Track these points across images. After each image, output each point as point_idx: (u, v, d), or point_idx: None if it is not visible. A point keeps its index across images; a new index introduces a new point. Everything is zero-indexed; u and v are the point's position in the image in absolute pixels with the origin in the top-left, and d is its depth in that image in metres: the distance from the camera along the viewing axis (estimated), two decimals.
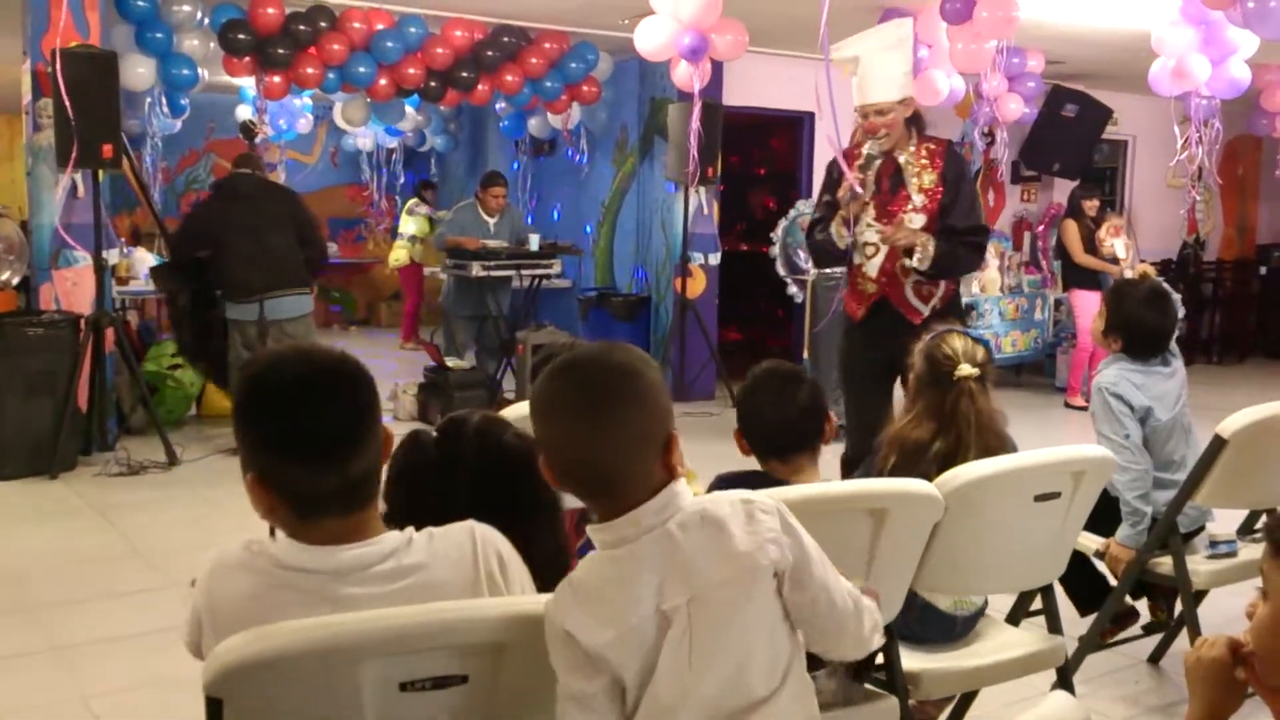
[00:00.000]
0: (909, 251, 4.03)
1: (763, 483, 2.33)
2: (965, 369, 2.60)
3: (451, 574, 1.55)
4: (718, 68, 7.07)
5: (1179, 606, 3.33)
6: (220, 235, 5.93)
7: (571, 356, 1.54)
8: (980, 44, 5.97)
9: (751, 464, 2.46)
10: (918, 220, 4.05)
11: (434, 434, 1.88)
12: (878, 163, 4.11)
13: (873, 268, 4.14)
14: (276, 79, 7.22)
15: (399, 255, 10.13)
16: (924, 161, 4.12)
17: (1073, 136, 8.98)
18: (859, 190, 4.04)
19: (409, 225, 10.35)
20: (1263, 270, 11.68)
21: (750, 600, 1.49)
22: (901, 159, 4.11)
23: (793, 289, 8.70)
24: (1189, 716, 1.55)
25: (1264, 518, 3.49)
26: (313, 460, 1.50)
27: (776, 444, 2.41)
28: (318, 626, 1.44)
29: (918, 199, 4.07)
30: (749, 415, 2.46)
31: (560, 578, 1.53)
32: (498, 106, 9.31)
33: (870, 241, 4.11)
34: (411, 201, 10.17)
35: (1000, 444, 2.59)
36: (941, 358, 2.64)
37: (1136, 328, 3.29)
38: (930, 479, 2.39)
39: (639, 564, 1.46)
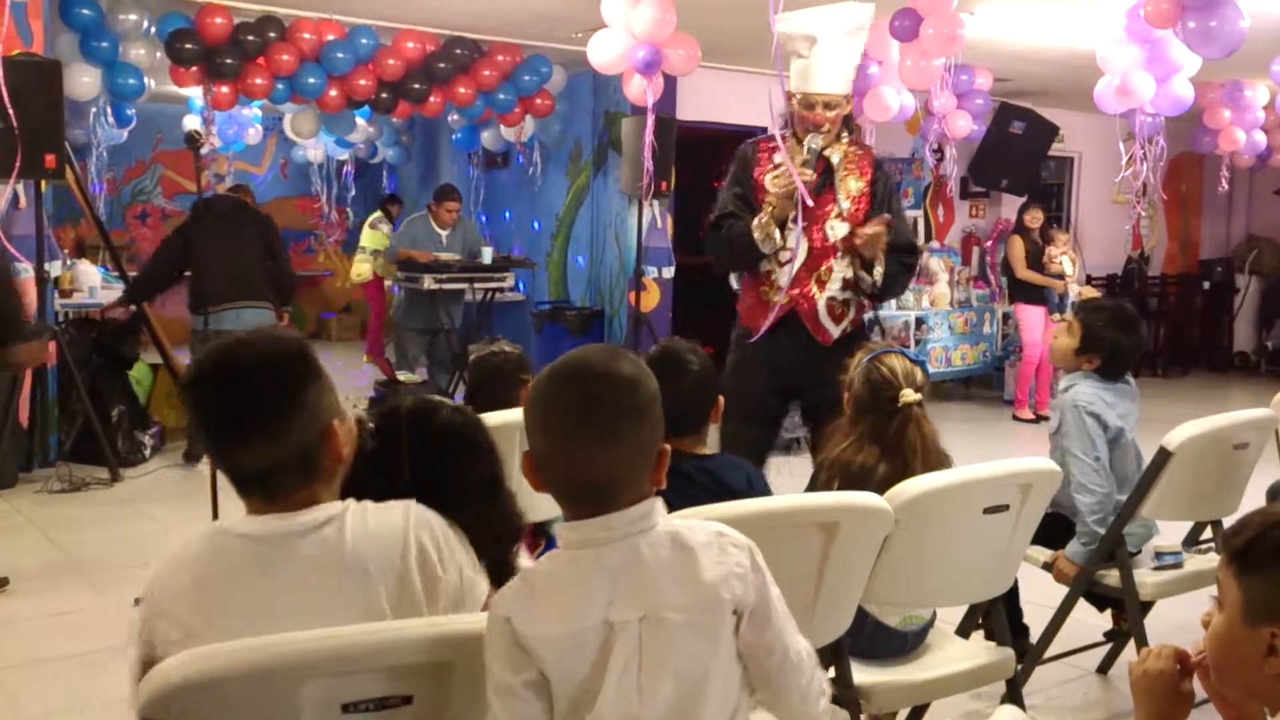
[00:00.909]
0: (870, 266, 3.70)
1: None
2: (909, 394, 2.57)
3: (376, 549, 1.55)
4: (671, 82, 7.08)
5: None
6: (192, 252, 6.00)
7: (577, 365, 1.48)
8: (929, 61, 6.03)
9: None
10: (841, 228, 3.74)
11: (370, 424, 1.86)
12: (812, 160, 3.70)
13: (784, 276, 3.74)
14: (224, 89, 7.13)
15: (362, 270, 10.00)
16: (852, 165, 3.79)
17: (1020, 153, 9.10)
18: (802, 191, 3.60)
19: (371, 239, 10.24)
20: (1205, 285, 11.90)
21: (706, 633, 1.45)
22: (834, 158, 3.76)
23: None
24: None
25: (1208, 529, 3.54)
26: (230, 438, 1.56)
27: (668, 425, 2.38)
28: (256, 647, 1.42)
29: (844, 204, 3.75)
30: None
31: (509, 550, 1.52)
32: (450, 118, 9.27)
33: (786, 246, 3.72)
34: (375, 215, 10.09)
35: (942, 464, 2.59)
36: (881, 381, 2.59)
37: (1111, 348, 3.29)
38: None
39: (599, 569, 1.43)
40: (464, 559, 1.64)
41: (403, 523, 1.60)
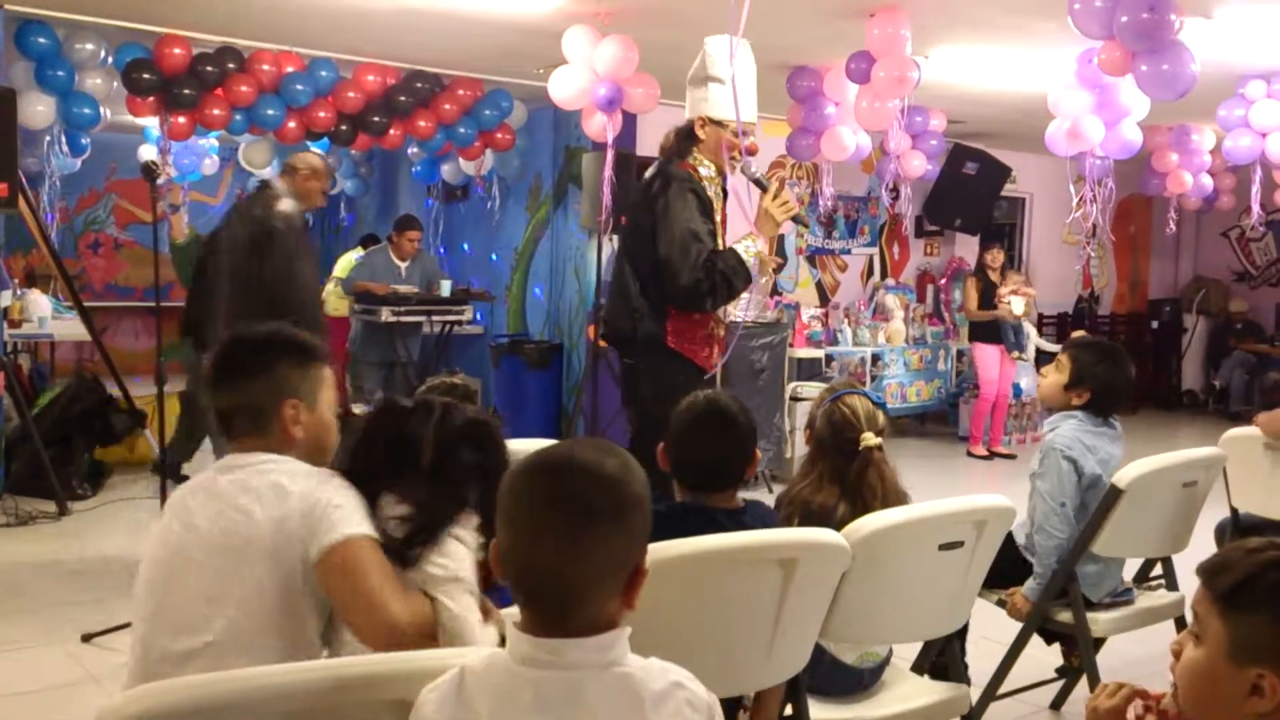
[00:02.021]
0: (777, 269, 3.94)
1: (690, 514, 2.35)
2: (869, 438, 2.57)
3: (258, 507, 1.89)
4: (630, 119, 7.14)
5: None
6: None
7: (555, 455, 1.38)
8: (883, 103, 6.12)
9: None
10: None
11: (407, 405, 2.07)
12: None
13: (736, 308, 4.04)
14: (181, 119, 7.09)
15: (339, 305, 9.79)
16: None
17: (973, 193, 9.25)
18: (798, 211, 3.80)
19: (344, 271, 10.10)
20: (1154, 324, 12.12)
21: None
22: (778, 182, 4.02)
23: None
24: None
25: (1158, 566, 3.59)
26: (213, 382, 2.06)
27: (704, 479, 2.41)
28: (206, 684, 1.41)
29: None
30: (681, 447, 2.43)
31: None
32: (410, 151, 9.27)
33: (771, 273, 3.91)
34: (354, 253, 9.99)
35: (901, 503, 2.61)
36: (843, 422, 2.60)
37: (1102, 383, 3.26)
38: None
39: (536, 695, 1.30)
40: (355, 519, 1.88)
41: (299, 489, 1.92)
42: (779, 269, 4.01)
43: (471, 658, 1.38)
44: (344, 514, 1.87)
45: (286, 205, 4.55)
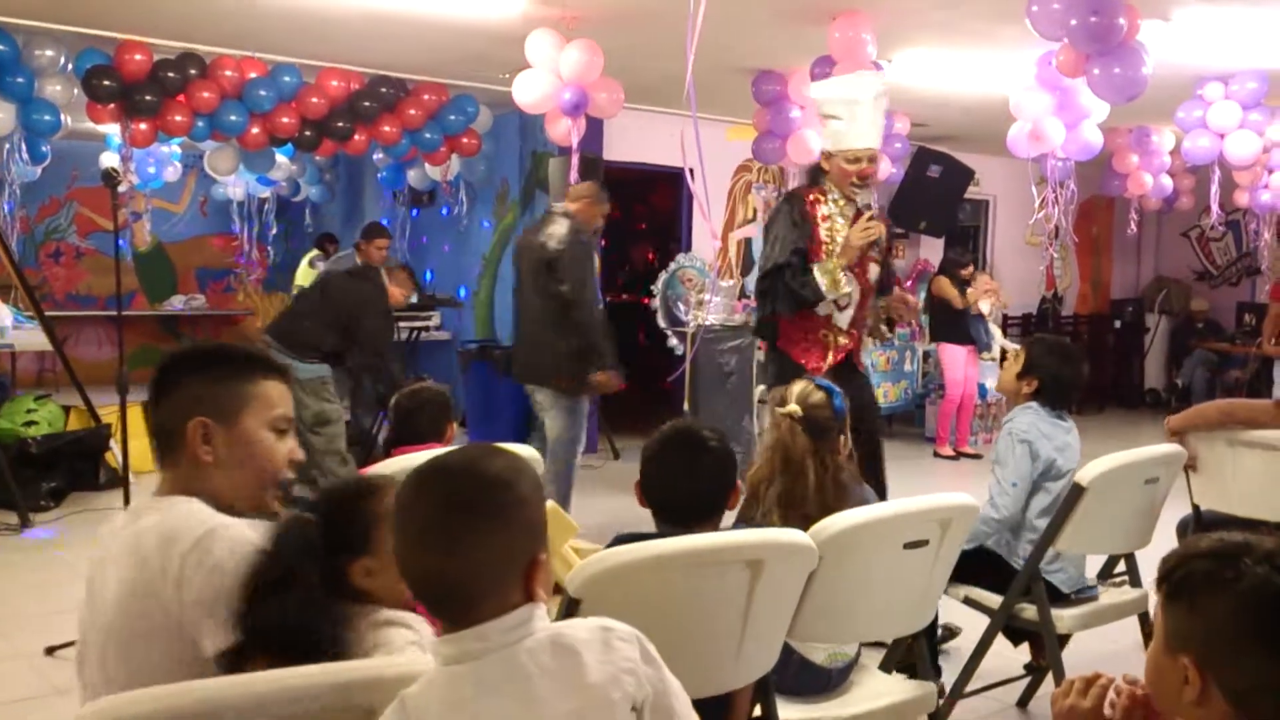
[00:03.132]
0: (890, 323, 4.39)
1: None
2: (789, 408, 2.70)
3: (117, 551, 1.72)
4: (596, 124, 7.15)
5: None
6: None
7: (441, 461, 1.42)
8: None
9: (646, 516, 2.41)
10: (875, 270, 4.25)
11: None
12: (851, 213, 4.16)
13: (844, 319, 4.17)
14: (143, 126, 7.02)
15: None
16: (875, 215, 4.25)
17: (938, 196, 9.31)
18: (861, 234, 4.07)
19: (306, 277, 10.08)
20: (1117, 324, 12.26)
21: None
22: (870, 210, 4.24)
23: (673, 341, 8.78)
24: None
25: (1121, 563, 3.63)
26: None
27: (681, 514, 2.31)
28: (171, 694, 1.41)
29: (874, 251, 4.23)
30: (655, 480, 2.35)
31: None
32: (375, 157, 9.23)
33: (846, 291, 4.12)
34: (312, 254, 9.93)
35: (840, 494, 2.65)
36: (780, 400, 2.75)
37: (1050, 375, 3.44)
38: (772, 519, 2.44)
39: (480, 686, 1.35)
40: (210, 587, 1.64)
41: (157, 545, 1.69)
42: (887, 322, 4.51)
43: (410, 686, 1.39)
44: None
45: (563, 228, 5.12)
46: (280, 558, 1.62)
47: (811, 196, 4.18)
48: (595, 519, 2.88)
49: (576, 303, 5.04)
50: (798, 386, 2.76)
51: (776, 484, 2.65)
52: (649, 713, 1.42)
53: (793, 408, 2.70)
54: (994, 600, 3.31)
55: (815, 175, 4.30)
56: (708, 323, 7.83)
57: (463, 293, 9.57)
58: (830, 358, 4.15)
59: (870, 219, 4.11)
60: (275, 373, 1.89)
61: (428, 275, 9.93)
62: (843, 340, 4.16)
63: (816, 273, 4.05)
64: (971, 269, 8.84)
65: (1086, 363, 3.61)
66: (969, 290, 8.60)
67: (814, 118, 6.95)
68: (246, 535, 1.68)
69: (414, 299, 7.10)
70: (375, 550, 1.71)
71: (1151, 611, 3.54)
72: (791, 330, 4.21)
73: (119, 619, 1.69)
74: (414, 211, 10.21)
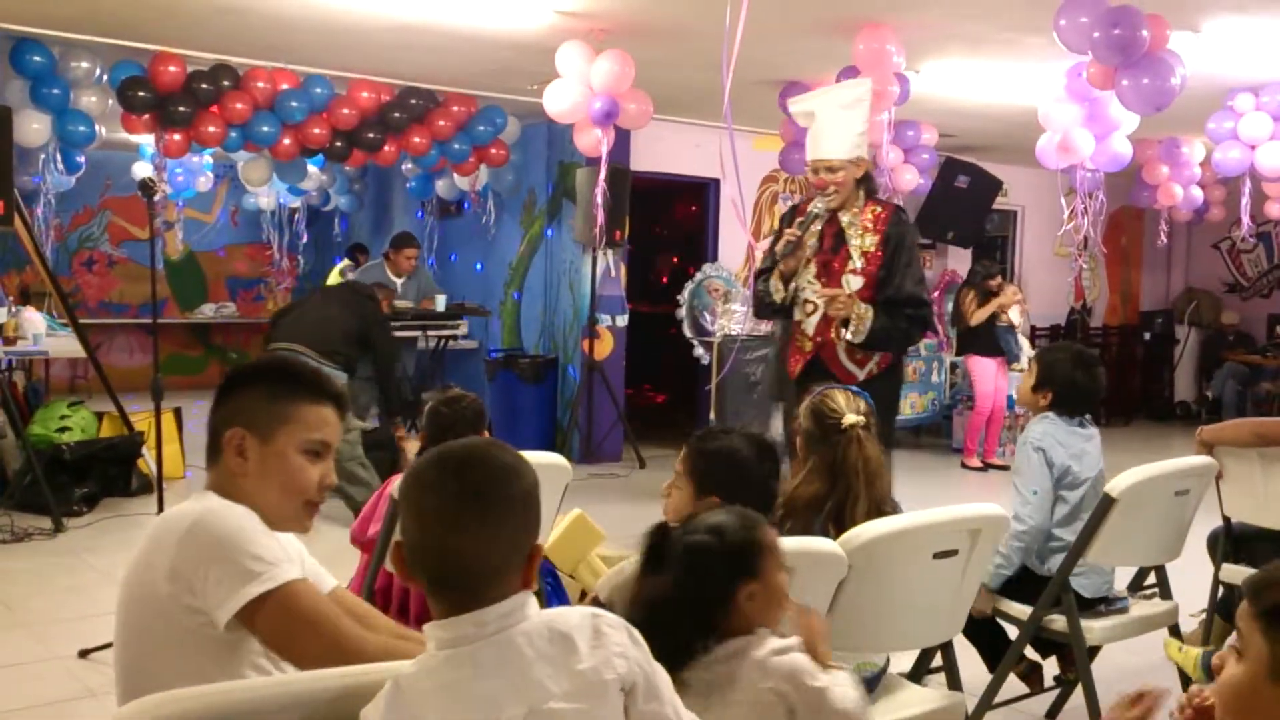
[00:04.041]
0: (845, 321, 4.10)
1: None
2: (850, 418, 2.65)
3: (155, 534, 1.78)
4: (624, 134, 7.17)
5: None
6: None
7: (458, 451, 1.49)
8: (876, 117, 6.15)
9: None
10: (855, 282, 4.10)
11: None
12: (821, 221, 4.16)
13: (810, 325, 4.19)
14: (177, 137, 7.11)
15: None
16: (868, 224, 4.15)
17: (965, 207, 9.30)
18: (782, 245, 4.14)
19: None
20: (1146, 335, 12.17)
21: (596, 717, 1.42)
22: (845, 219, 4.16)
23: (699, 350, 8.79)
24: None
25: (1151, 575, 3.61)
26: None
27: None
28: (204, 695, 1.43)
29: (857, 260, 4.11)
30: (710, 477, 2.39)
31: None
32: (404, 167, 9.30)
33: (809, 299, 4.17)
34: (343, 264, 10.01)
35: (881, 482, 2.64)
36: (826, 412, 2.68)
37: (1066, 383, 3.40)
38: (826, 535, 2.44)
39: (476, 669, 1.39)
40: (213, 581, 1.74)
41: (182, 526, 1.78)
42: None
43: (404, 669, 1.43)
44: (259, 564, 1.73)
45: None
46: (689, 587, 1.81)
47: (807, 202, 4.32)
48: (621, 528, 2.90)
49: None
50: (839, 397, 2.71)
51: (863, 500, 2.58)
52: (640, 693, 1.47)
53: (858, 419, 2.64)
54: (1023, 611, 3.30)
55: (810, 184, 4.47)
56: (733, 332, 7.84)
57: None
58: (802, 361, 4.24)
59: (800, 224, 4.18)
60: (327, 398, 1.92)
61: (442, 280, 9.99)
62: (808, 346, 4.21)
63: (772, 279, 4.25)
64: (1000, 280, 8.79)
65: (1102, 367, 3.53)
66: (996, 300, 8.55)
67: None
68: (237, 511, 1.79)
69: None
70: (762, 576, 1.85)
71: (1183, 622, 3.52)
72: (785, 335, 4.42)
73: (123, 593, 1.80)
74: (450, 221, 10.27)
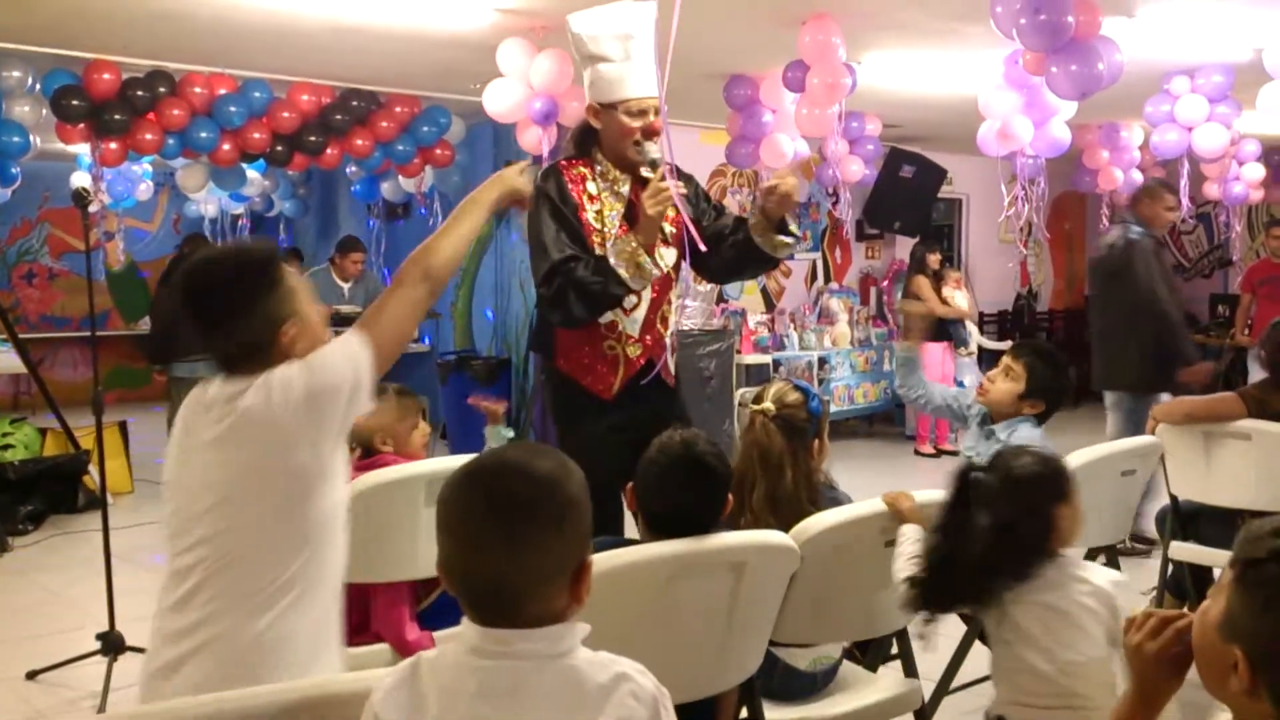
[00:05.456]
0: (784, 227, 3.18)
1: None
2: (764, 405, 2.71)
3: (263, 405, 1.90)
4: (567, 132, 7.14)
5: None
6: None
7: (488, 461, 1.42)
8: (822, 110, 6.18)
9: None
10: (670, 255, 3.25)
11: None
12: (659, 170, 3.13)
13: (634, 324, 3.21)
14: (113, 145, 6.98)
15: None
16: (666, 173, 3.15)
17: (911, 196, 9.37)
18: (678, 201, 3.07)
19: None
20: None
21: None
22: (659, 169, 3.14)
23: None
24: (1129, 701, 1.62)
25: (1101, 557, 3.65)
26: (201, 334, 2.01)
27: (668, 527, 2.23)
28: (173, 710, 1.45)
29: (667, 227, 3.22)
30: (648, 489, 2.30)
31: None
32: (348, 170, 9.20)
33: (654, 274, 3.15)
34: None
35: (814, 497, 2.66)
36: (755, 400, 2.76)
37: (1057, 397, 3.40)
38: (765, 520, 2.52)
39: (482, 687, 1.33)
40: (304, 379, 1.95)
41: (281, 378, 1.95)
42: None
43: (431, 650, 1.41)
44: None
45: (1131, 234, 5.58)
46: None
47: (575, 171, 3.25)
48: None
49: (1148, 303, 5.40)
50: (774, 385, 2.77)
51: (760, 485, 2.64)
52: None
53: (767, 405, 2.71)
54: None
55: (584, 141, 3.30)
56: (684, 328, 7.85)
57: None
58: (622, 374, 3.22)
59: (661, 178, 3.08)
60: (292, 259, 2.13)
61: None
62: (633, 351, 3.22)
63: (611, 257, 3.09)
64: (939, 257, 8.86)
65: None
66: (942, 288, 8.64)
67: (785, 121, 6.99)
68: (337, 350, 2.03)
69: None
70: (1070, 499, 2.31)
71: (1134, 601, 3.56)
72: (570, 344, 3.25)
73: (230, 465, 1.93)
74: (397, 223, 10.18)
